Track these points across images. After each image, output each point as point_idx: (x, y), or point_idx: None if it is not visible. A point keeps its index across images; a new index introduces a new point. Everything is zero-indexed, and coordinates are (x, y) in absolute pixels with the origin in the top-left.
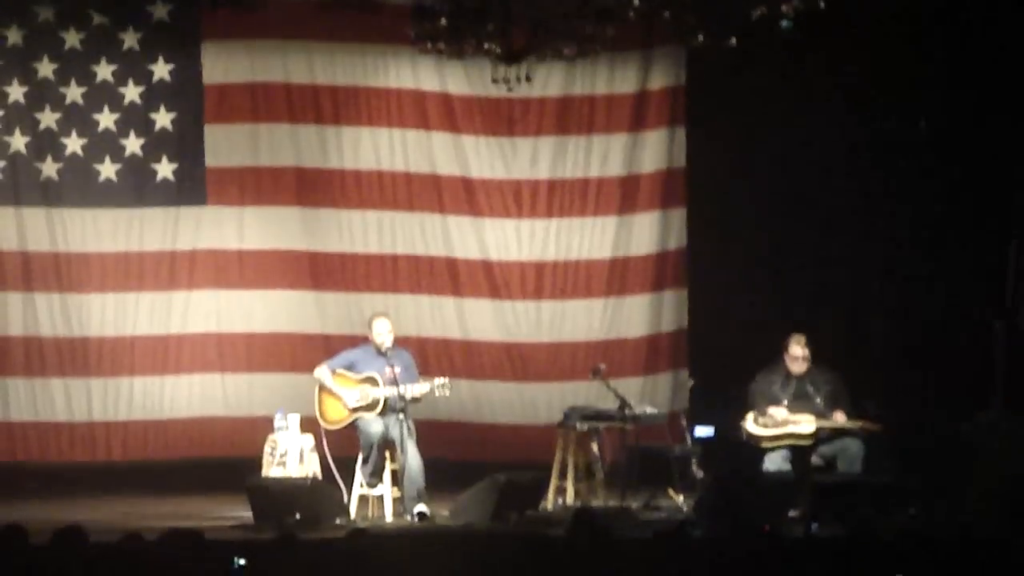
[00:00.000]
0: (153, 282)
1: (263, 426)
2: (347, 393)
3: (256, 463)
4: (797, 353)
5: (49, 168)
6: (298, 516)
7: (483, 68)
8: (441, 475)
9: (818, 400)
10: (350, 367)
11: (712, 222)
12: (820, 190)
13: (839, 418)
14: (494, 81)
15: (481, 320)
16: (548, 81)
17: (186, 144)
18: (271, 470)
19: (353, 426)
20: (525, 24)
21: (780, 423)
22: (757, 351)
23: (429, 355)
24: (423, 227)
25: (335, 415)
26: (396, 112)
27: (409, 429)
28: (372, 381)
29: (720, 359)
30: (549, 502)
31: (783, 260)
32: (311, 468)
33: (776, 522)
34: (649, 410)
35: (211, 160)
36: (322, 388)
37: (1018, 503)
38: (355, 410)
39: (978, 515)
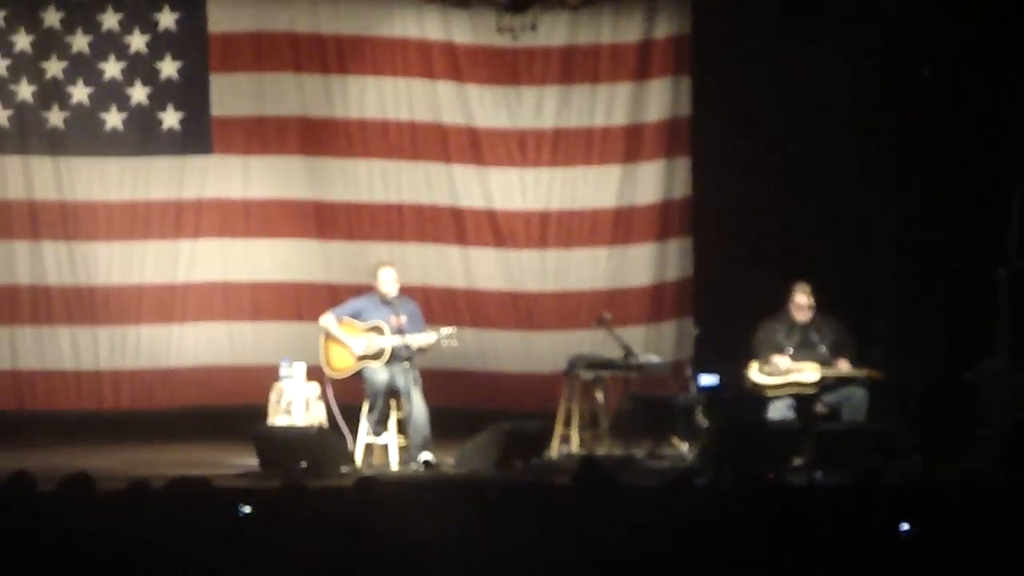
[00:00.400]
0: (159, 231)
1: (269, 374)
2: (353, 342)
3: (262, 411)
4: (802, 301)
5: (55, 117)
6: (304, 464)
7: (488, 17)
8: (446, 423)
9: (822, 348)
10: (356, 315)
11: (717, 171)
12: (824, 138)
13: (843, 366)
14: (499, 30)
15: (486, 269)
16: (553, 30)
17: (191, 93)
18: (277, 418)
19: (359, 375)
20: None
21: (784, 372)
22: (761, 300)
23: (434, 304)
24: (428, 176)
25: (341, 363)
26: (401, 61)
27: (415, 378)
28: (378, 330)
29: (725, 308)
30: (554, 450)
31: (787, 209)
32: (317, 416)
33: (780, 470)
34: (654, 359)
35: (217, 109)
36: (328, 336)
37: (1022, 450)
38: (361, 358)
39: (983, 462)
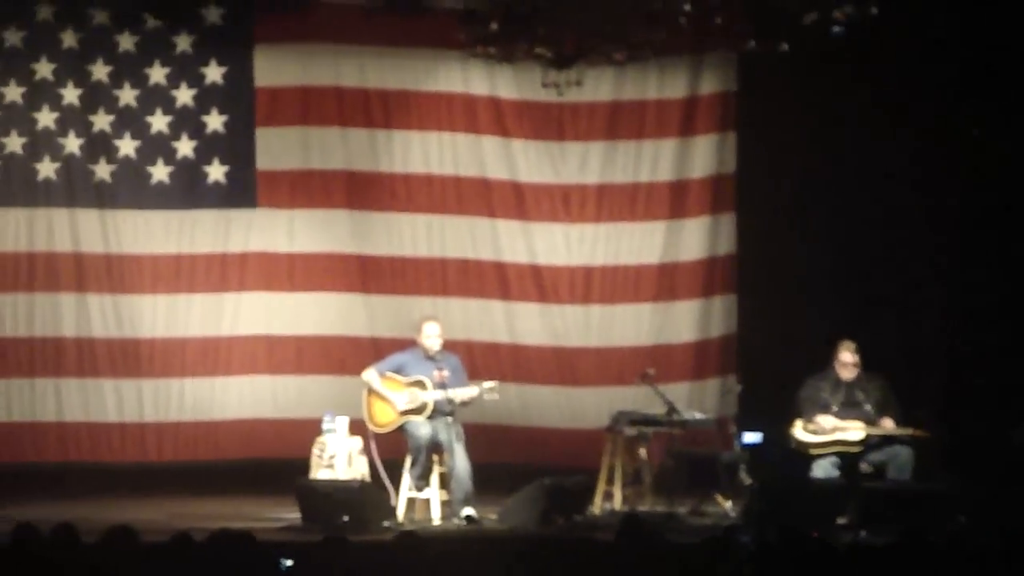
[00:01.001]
0: (204, 284)
1: (311, 428)
2: (396, 396)
3: (304, 465)
4: (847, 359)
5: (102, 170)
6: (346, 518)
7: (533, 72)
8: (489, 479)
9: (867, 407)
10: (398, 370)
11: (762, 227)
12: (871, 195)
13: (887, 425)
14: (544, 85)
15: (529, 324)
16: (598, 86)
17: (237, 147)
18: (319, 472)
19: (401, 429)
20: (576, 28)
21: (829, 430)
22: (806, 357)
23: (477, 359)
24: (472, 231)
25: (383, 418)
26: (446, 116)
27: (457, 433)
28: (421, 384)
29: (769, 365)
30: (596, 507)
31: (833, 265)
32: (359, 470)
33: (825, 529)
34: (697, 415)
35: (262, 163)
36: (370, 391)
37: None
38: (404, 413)
39: None
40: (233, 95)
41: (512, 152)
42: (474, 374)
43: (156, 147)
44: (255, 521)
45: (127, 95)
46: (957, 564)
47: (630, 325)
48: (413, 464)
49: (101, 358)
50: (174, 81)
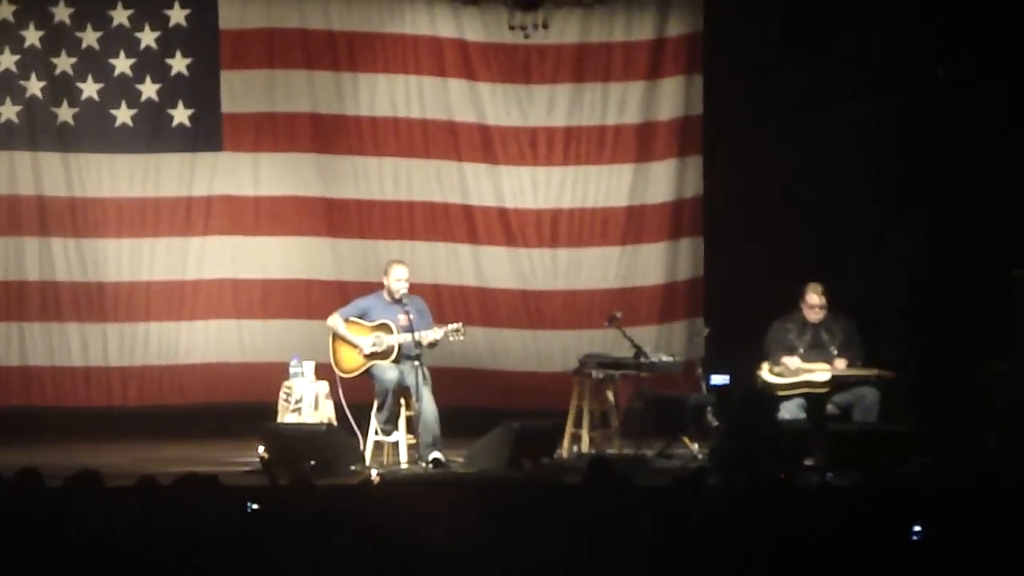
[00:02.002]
0: (169, 228)
1: (278, 372)
2: (361, 341)
3: (271, 409)
4: (814, 301)
5: (65, 113)
6: (313, 462)
7: (500, 15)
8: (456, 422)
9: (833, 348)
10: (363, 315)
11: (729, 170)
12: (836, 136)
13: (838, 364)
14: (511, 28)
15: (497, 268)
16: (565, 28)
17: (202, 90)
18: (286, 416)
19: (368, 373)
20: None
21: (795, 372)
22: (773, 300)
23: (445, 302)
24: (439, 174)
25: (349, 363)
26: (412, 59)
27: (424, 376)
28: (386, 328)
29: (736, 307)
30: (564, 450)
31: (799, 208)
32: (326, 414)
33: (792, 471)
34: (665, 358)
35: (227, 106)
36: (335, 337)
37: None
38: (369, 357)
39: (995, 463)
40: (197, 37)
41: (479, 95)
42: (441, 318)
43: (119, 90)
44: (221, 465)
45: (89, 37)
46: (923, 504)
47: (597, 268)
48: (380, 408)
49: (65, 302)
50: (137, 23)
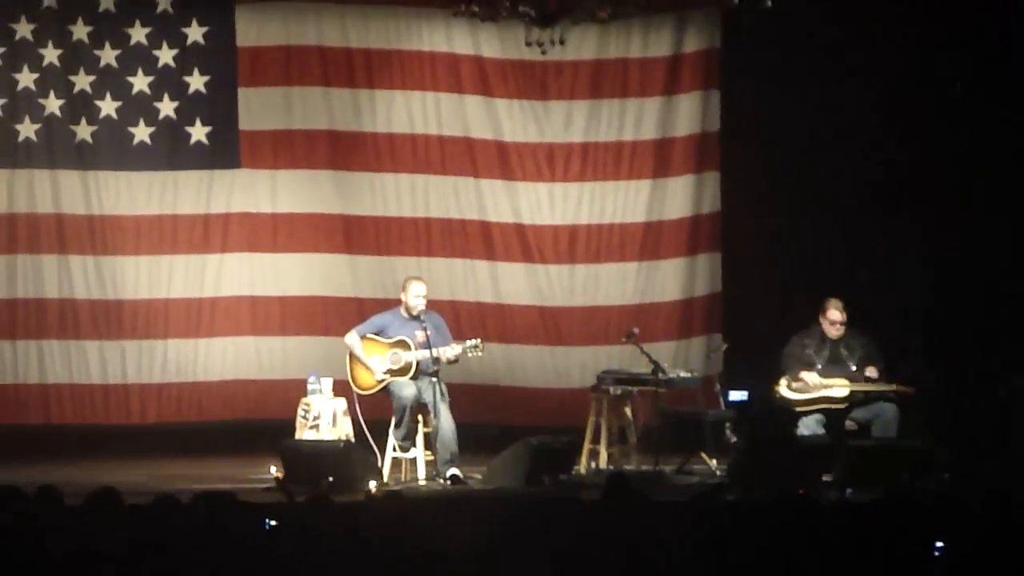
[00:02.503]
0: (187, 245)
1: (296, 389)
2: (378, 359)
3: (289, 426)
4: (835, 317)
5: (83, 131)
6: (331, 479)
7: (517, 31)
8: (474, 439)
9: (852, 364)
10: (381, 331)
11: (746, 185)
12: (855, 151)
13: (871, 373)
14: (528, 44)
15: (514, 284)
16: (582, 44)
17: (220, 107)
18: (304, 433)
19: (385, 390)
20: None
21: (813, 387)
22: (791, 315)
23: (462, 319)
24: (456, 191)
25: (367, 380)
26: (430, 75)
27: (442, 392)
28: (404, 345)
29: (754, 323)
30: (582, 466)
31: (817, 223)
32: (344, 431)
33: (810, 487)
34: (683, 374)
35: (244, 123)
36: (352, 355)
37: None
38: (387, 374)
39: (1014, 479)
40: (215, 55)
41: (496, 111)
42: (459, 334)
43: (138, 107)
44: (239, 482)
45: (108, 55)
46: (941, 521)
47: (615, 284)
48: (398, 424)
49: (84, 320)
50: (155, 41)
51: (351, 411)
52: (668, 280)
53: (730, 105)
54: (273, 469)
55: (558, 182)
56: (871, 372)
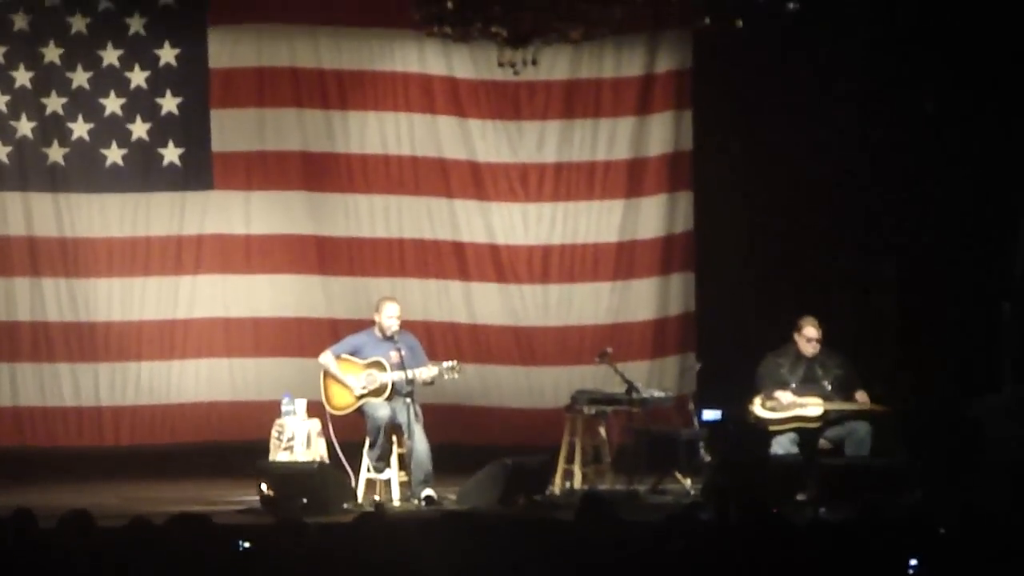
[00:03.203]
0: (160, 267)
1: (270, 410)
2: (353, 379)
3: (263, 447)
4: (811, 334)
5: (55, 153)
6: (305, 500)
7: (489, 52)
8: (448, 459)
9: (826, 383)
10: (355, 352)
11: (719, 205)
12: (826, 172)
13: (861, 398)
14: (500, 65)
15: (488, 304)
16: (555, 64)
17: (192, 129)
18: (278, 454)
19: (360, 411)
20: (531, 7)
21: (787, 406)
22: (764, 334)
23: (436, 339)
24: (430, 211)
25: (342, 401)
26: (402, 96)
27: (416, 413)
28: (379, 365)
29: (727, 342)
30: (556, 486)
31: (789, 242)
32: (318, 452)
33: (784, 506)
34: (656, 393)
35: (217, 145)
36: (327, 375)
37: None
38: (361, 395)
39: (986, 497)
40: (187, 76)
41: (469, 131)
42: (433, 355)
43: (110, 129)
44: (214, 504)
45: (80, 77)
46: (915, 539)
47: (589, 304)
48: (372, 445)
49: (57, 342)
50: (127, 63)
51: (325, 432)
52: (642, 300)
53: (702, 125)
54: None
55: (531, 202)
56: (861, 397)
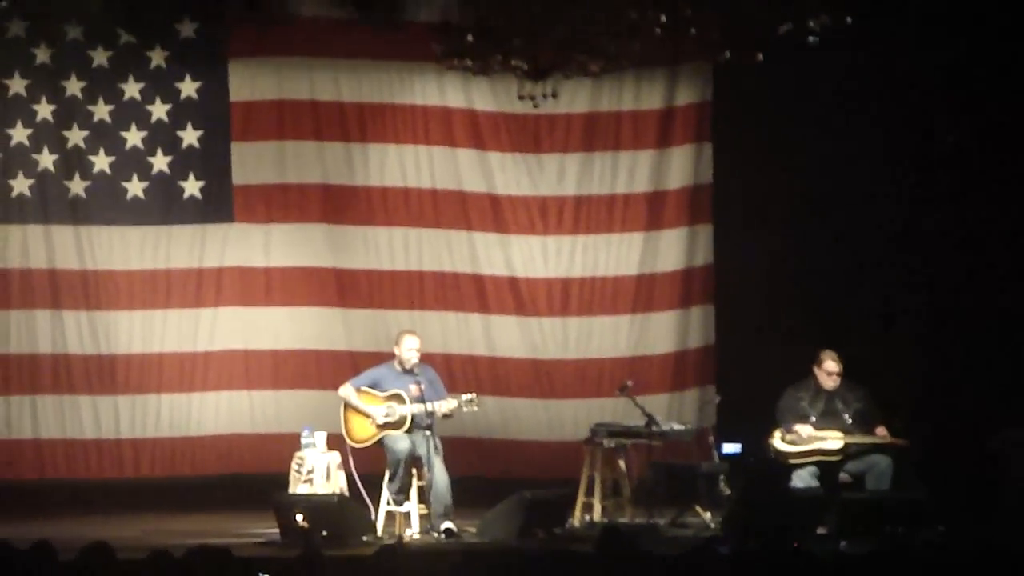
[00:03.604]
0: (180, 299)
1: (290, 443)
2: (373, 411)
3: (283, 480)
4: (832, 368)
5: (77, 186)
6: (325, 533)
7: (509, 84)
8: (468, 492)
9: (846, 416)
10: (375, 385)
11: (739, 238)
12: (848, 204)
13: (881, 432)
14: (520, 98)
15: (507, 337)
16: (574, 97)
17: (213, 161)
18: (298, 487)
19: (380, 443)
20: (551, 41)
21: (807, 440)
22: (784, 367)
23: (456, 372)
24: (449, 244)
25: (361, 433)
26: (422, 129)
27: (436, 446)
28: (398, 398)
29: (747, 375)
30: (576, 519)
31: (810, 276)
32: (338, 485)
33: (804, 539)
34: (676, 427)
35: (238, 178)
36: (347, 406)
37: None
38: (382, 427)
39: (1007, 531)
40: (208, 110)
41: (489, 164)
42: (452, 387)
43: (131, 162)
44: (234, 537)
45: (101, 110)
46: (936, 574)
47: (608, 337)
48: (392, 478)
49: (77, 375)
50: (148, 96)
51: (344, 465)
52: (661, 332)
53: (722, 157)
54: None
55: (551, 235)
56: (881, 432)
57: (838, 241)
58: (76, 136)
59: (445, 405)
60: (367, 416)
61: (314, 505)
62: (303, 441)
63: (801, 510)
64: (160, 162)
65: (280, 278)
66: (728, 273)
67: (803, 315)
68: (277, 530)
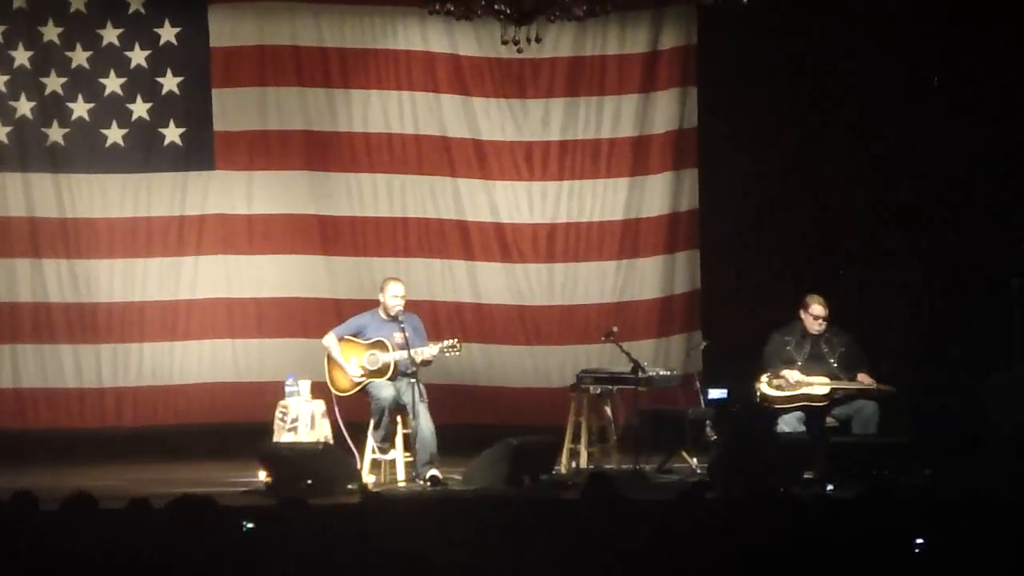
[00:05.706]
0: (162, 247)
1: (273, 391)
2: (356, 359)
3: (267, 428)
4: (818, 312)
5: (55, 133)
6: (309, 481)
7: (493, 29)
8: (453, 439)
9: (832, 361)
10: (358, 333)
11: (724, 182)
12: (832, 147)
13: (863, 379)
14: (504, 42)
15: (493, 283)
16: (559, 42)
17: (194, 108)
18: (282, 436)
19: (364, 391)
20: None
21: (793, 384)
22: (770, 312)
23: (441, 319)
24: (433, 190)
25: (345, 382)
26: (405, 74)
27: (421, 393)
28: (382, 346)
29: (733, 320)
30: (562, 465)
31: (795, 219)
32: (322, 433)
33: (791, 484)
34: (662, 372)
35: (219, 124)
36: (330, 357)
37: None
38: (365, 375)
39: (993, 476)
40: (188, 55)
41: (472, 110)
42: (438, 334)
43: (110, 109)
44: (217, 486)
45: (79, 56)
46: (922, 518)
47: (594, 283)
48: (376, 426)
49: (58, 323)
50: (127, 42)
51: (329, 413)
52: (647, 278)
53: (708, 101)
54: (262, 475)
55: (536, 181)
56: (863, 378)
57: (824, 184)
58: (54, 83)
59: (426, 351)
60: (350, 365)
61: (299, 453)
62: (287, 389)
63: (787, 455)
64: (140, 109)
65: (263, 225)
66: (714, 217)
67: (789, 259)
68: (261, 478)
